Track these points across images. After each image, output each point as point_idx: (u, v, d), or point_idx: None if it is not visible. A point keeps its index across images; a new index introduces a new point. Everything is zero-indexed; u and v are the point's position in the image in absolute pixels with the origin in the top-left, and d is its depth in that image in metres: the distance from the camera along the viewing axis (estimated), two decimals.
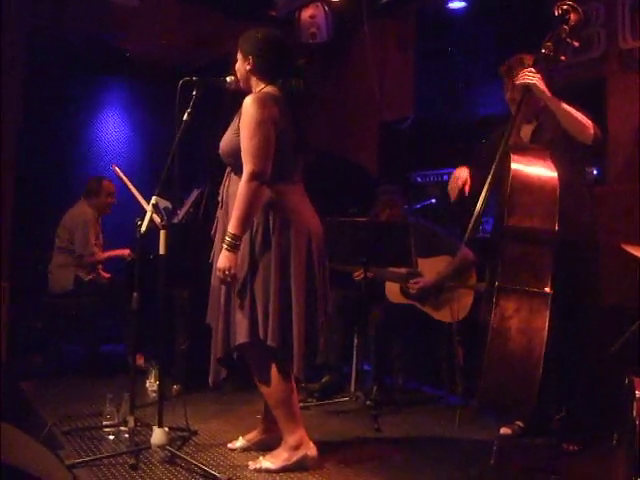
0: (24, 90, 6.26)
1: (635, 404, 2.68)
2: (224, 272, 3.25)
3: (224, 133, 3.68)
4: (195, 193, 5.52)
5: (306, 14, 6.44)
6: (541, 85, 3.61)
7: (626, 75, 4.89)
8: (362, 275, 4.66)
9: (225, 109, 3.79)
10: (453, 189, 3.98)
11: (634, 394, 2.70)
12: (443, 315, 4.88)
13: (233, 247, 3.25)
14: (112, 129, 7.62)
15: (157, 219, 3.61)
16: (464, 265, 4.89)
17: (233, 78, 3.64)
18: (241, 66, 3.51)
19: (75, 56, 6.88)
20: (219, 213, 3.53)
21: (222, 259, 3.26)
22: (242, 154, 3.30)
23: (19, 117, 6.21)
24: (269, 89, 3.44)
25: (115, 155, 7.51)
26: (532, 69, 3.65)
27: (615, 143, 4.76)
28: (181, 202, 5.54)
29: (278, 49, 3.51)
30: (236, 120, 3.42)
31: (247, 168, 3.26)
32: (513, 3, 5.58)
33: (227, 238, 3.25)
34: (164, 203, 3.59)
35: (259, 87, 3.47)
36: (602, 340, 3.75)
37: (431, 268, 4.91)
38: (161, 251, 3.57)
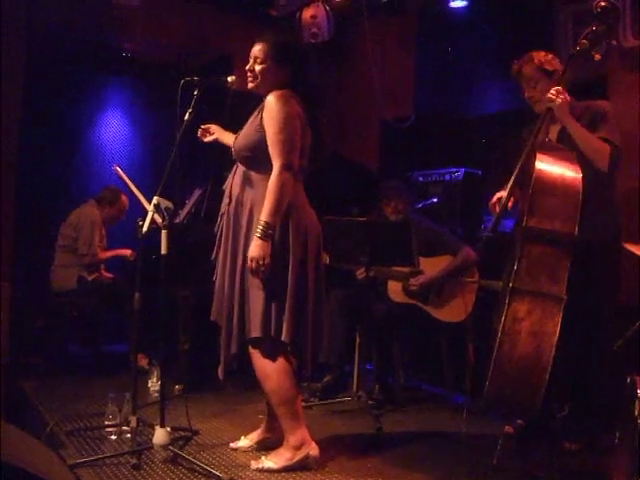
0: (25, 90, 6.26)
1: (637, 403, 2.68)
2: (257, 261, 3.27)
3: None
4: (197, 193, 5.52)
5: (307, 14, 6.43)
6: (563, 107, 3.61)
7: (627, 73, 4.89)
8: (364, 274, 4.67)
9: (226, 109, 3.79)
10: (492, 207, 3.97)
11: (636, 393, 2.70)
12: (445, 314, 4.89)
13: (267, 236, 3.29)
14: (113, 129, 7.61)
15: (159, 219, 3.62)
16: (466, 264, 4.90)
17: (234, 78, 3.64)
18: (270, 72, 3.49)
19: (76, 56, 6.87)
20: (225, 209, 3.55)
21: (255, 248, 3.28)
22: (270, 149, 3.35)
23: (20, 117, 6.21)
24: (287, 91, 3.46)
25: (116, 155, 7.50)
26: (558, 88, 3.63)
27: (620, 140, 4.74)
28: (183, 202, 5.55)
29: (307, 61, 3.60)
30: (257, 117, 3.46)
31: (278, 161, 3.33)
32: (514, 1, 5.57)
33: (260, 227, 3.28)
34: (165, 203, 3.58)
35: (276, 89, 3.47)
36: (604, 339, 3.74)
37: (433, 267, 4.92)
38: (163, 251, 3.57)
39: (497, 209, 3.81)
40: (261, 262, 3.28)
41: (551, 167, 3.44)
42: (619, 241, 3.77)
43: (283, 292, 3.36)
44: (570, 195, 3.38)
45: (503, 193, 3.78)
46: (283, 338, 3.35)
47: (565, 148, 3.69)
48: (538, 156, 3.46)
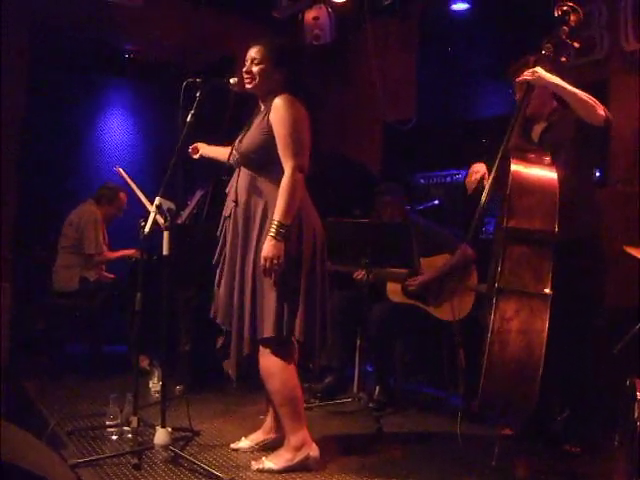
0: (27, 90, 6.28)
1: (636, 406, 2.69)
2: (272, 261, 3.30)
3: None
4: (198, 194, 5.53)
5: (309, 16, 6.46)
6: (542, 74, 3.61)
7: (628, 77, 4.89)
8: (362, 275, 4.69)
9: (229, 110, 3.80)
10: (470, 183, 3.98)
11: (635, 396, 2.71)
12: (445, 313, 4.88)
13: (281, 236, 3.33)
14: (115, 130, 7.62)
15: (160, 220, 3.63)
16: (463, 261, 4.88)
17: (237, 79, 3.65)
18: (268, 73, 3.52)
19: (78, 56, 6.89)
20: (231, 212, 3.55)
21: (270, 248, 3.31)
22: (281, 151, 3.40)
23: (22, 118, 6.23)
24: (290, 94, 3.49)
25: (118, 156, 7.51)
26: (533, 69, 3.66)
27: (617, 145, 4.76)
28: (185, 203, 5.55)
29: (302, 62, 3.63)
30: (263, 120, 3.50)
31: (290, 163, 3.38)
32: (516, 5, 5.58)
33: (274, 228, 3.32)
34: (167, 204, 3.59)
35: (276, 94, 3.49)
36: (604, 342, 3.75)
37: (432, 267, 4.91)
38: (164, 252, 3.58)
39: (474, 183, 3.84)
40: (275, 261, 3.31)
41: (527, 168, 3.48)
42: (600, 239, 3.81)
43: (296, 291, 3.40)
44: (547, 194, 3.42)
45: (478, 167, 3.80)
46: (297, 336, 3.39)
47: (539, 148, 3.72)
48: (512, 159, 3.51)
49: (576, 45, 3.69)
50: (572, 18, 3.61)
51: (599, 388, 3.83)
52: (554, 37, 3.65)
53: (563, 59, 3.69)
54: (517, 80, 3.73)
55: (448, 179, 5.96)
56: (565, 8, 3.62)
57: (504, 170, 3.54)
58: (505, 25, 5.76)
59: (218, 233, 3.64)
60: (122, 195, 6.09)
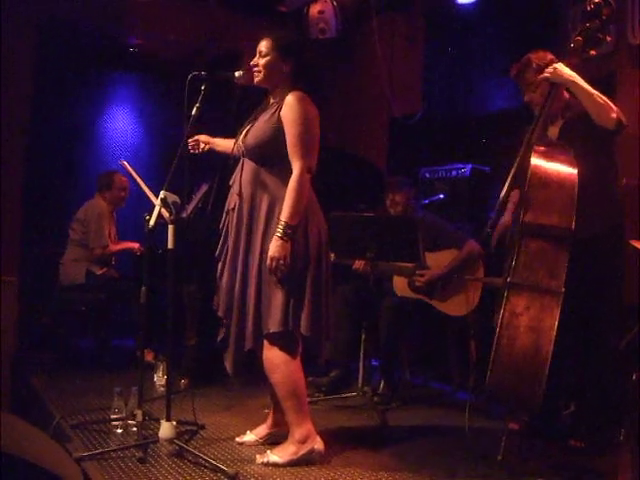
0: (33, 86, 6.28)
1: None
2: (278, 261, 3.31)
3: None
4: (203, 188, 5.52)
5: (315, 9, 6.44)
6: (562, 70, 3.57)
7: (635, 70, 4.87)
8: (361, 265, 4.76)
9: (234, 103, 3.79)
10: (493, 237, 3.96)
11: None
12: (450, 308, 4.88)
13: (287, 235, 3.32)
14: (121, 124, 7.64)
15: (166, 214, 3.62)
16: (470, 257, 4.89)
17: (242, 73, 3.65)
18: (275, 65, 3.52)
19: (84, 51, 6.89)
20: (235, 206, 3.54)
21: (276, 248, 3.32)
22: (291, 149, 3.39)
23: (28, 113, 6.23)
24: (302, 91, 3.49)
25: (124, 150, 7.52)
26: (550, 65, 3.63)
27: (622, 138, 4.73)
28: (190, 197, 5.55)
29: (310, 54, 3.67)
30: (273, 115, 3.48)
31: (299, 162, 3.38)
32: None
33: (280, 228, 3.32)
34: (172, 198, 3.59)
35: (285, 87, 3.50)
36: (609, 337, 3.74)
37: (438, 262, 4.91)
38: (170, 246, 3.57)
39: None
40: (282, 262, 3.31)
41: (547, 162, 3.44)
42: (620, 235, 3.78)
43: (302, 287, 3.41)
44: (566, 190, 3.38)
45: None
46: (303, 331, 3.39)
47: (563, 144, 3.68)
48: (534, 153, 3.47)
49: (608, 39, 3.64)
50: (605, 12, 3.56)
51: (605, 383, 3.82)
52: (585, 31, 3.59)
53: (593, 52, 3.64)
54: (539, 78, 3.69)
55: (454, 173, 5.94)
56: (597, 1, 3.57)
57: (525, 165, 3.51)
58: (512, 18, 5.74)
59: (221, 226, 3.63)
60: (117, 176, 6.12)
